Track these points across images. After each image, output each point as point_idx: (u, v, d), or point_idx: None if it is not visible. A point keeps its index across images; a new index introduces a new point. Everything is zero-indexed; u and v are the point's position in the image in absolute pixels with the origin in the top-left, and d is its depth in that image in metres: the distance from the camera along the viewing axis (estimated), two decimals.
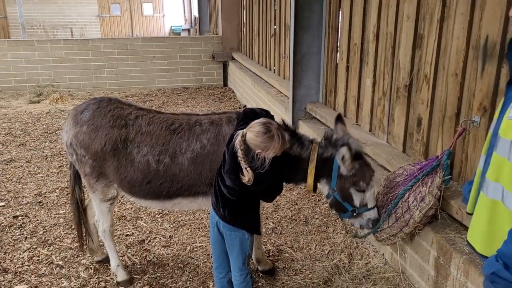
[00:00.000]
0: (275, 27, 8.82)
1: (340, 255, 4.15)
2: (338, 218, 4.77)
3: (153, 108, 3.76)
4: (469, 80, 3.39)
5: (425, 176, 3.31)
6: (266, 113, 3.24)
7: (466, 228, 3.20)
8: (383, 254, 4.04)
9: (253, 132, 2.77)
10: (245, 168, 2.79)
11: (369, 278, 3.77)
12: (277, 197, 3.29)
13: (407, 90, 4.23)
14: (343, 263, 4.02)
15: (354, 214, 3.25)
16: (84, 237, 4.00)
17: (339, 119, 3.33)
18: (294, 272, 3.95)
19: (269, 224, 4.76)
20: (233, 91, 11.97)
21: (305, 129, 6.10)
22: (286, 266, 4.04)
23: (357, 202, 3.21)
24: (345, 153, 3.01)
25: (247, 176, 2.79)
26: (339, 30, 5.80)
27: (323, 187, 3.33)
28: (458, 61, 3.50)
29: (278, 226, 4.73)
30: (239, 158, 2.80)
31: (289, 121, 6.52)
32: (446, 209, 3.33)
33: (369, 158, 4.62)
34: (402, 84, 4.32)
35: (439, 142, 3.80)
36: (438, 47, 3.76)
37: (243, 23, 12.04)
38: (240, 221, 3.04)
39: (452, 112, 3.60)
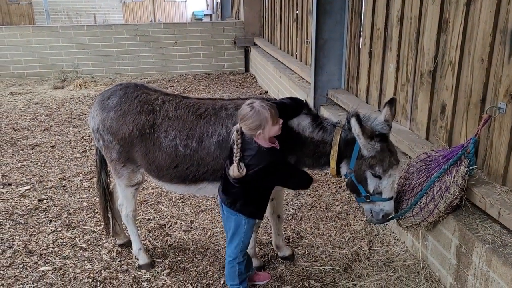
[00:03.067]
0: (297, 12, 8.73)
1: (361, 242, 4.13)
2: (358, 204, 4.75)
3: (176, 93, 3.78)
4: (496, 65, 3.30)
5: (451, 165, 3.25)
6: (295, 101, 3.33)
7: (489, 216, 3.15)
8: (404, 241, 4.01)
9: (243, 119, 2.87)
10: (237, 164, 2.89)
11: (389, 266, 3.75)
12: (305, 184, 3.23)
13: (431, 76, 4.15)
14: (363, 250, 4.01)
15: (368, 200, 3.15)
16: (110, 221, 4.06)
17: (390, 103, 3.12)
18: (314, 259, 3.95)
19: (289, 211, 4.76)
20: (254, 77, 11.93)
21: (327, 116, 6.05)
22: (306, 253, 4.04)
23: (371, 187, 3.10)
24: (354, 124, 2.90)
25: (234, 171, 2.90)
26: (362, 14, 5.70)
27: (343, 167, 3.23)
28: (484, 46, 3.41)
29: (298, 212, 4.73)
30: (234, 152, 2.92)
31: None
32: (469, 197, 3.27)
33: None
34: (426, 70, 4.23)
35: (463, 129, 3.73)
36: (464, 32, 3.67)
37: (265, 8, 11.95)
38: (239, 206, 3.12)
39: (477, 98, 3.52)
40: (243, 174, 2.90)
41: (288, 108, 3.18)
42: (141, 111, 3.44)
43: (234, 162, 2.92)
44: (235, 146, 2.93)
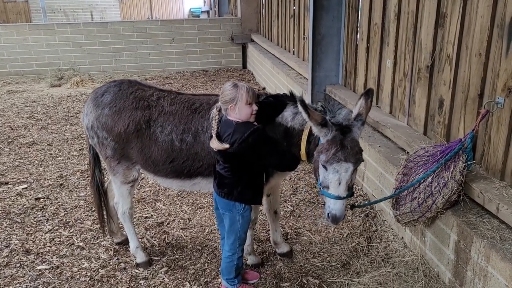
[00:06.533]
0: (294, 8, 8.70)
1: (359, 238, 4.12)
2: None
3: (173, 89, 3.77)
4: (493, 60, 3.28)
5: (448, 160, 3.24)
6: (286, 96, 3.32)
7: (487, 211, 3.14)
8: (403, 237, 4.00)
9: (221, 92, 3.03)
10: (215, 135, 3.03)
11: (388, 262, 3.74)
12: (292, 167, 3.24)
13: (429, 71, 4.13)
14: (361, 246, 3.99)
15: (320, 192, 3.01)
16: (105, 219, 4.05)
17: (366, 94, 2.97)
18: (312, 255, 3.94)
19: (287, 207, 4.75)
20: (252, 74, 11.90)
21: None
22: (304, 249, 4.03)
23: (320, 177, 2.93)
24: (300, 110, 2.81)
25: (214, 143, 3.03)
26: (359, 10, 5.68)
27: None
28: (482, 41, 3.39)
29: (296, 209, 4.72)
30: (212, 126, 3.08)
31: (308, 103, 6.45)
32: (467, 192, 3.26)
33: (389, 141, 4.57)
34: (424, 65, 4.21)
35: (461, 124, 3.71)
36: (461, 26, 3.65)
37: (262, 4, 11.91)
38: (236, 194, 3.14)
39: (475, 93, 3.51)
40: (225, 147, 2.98)
41: (272, 107, 3.19)
42: (137, 107, 3.44)
43: (213, 134, 3.06)
44: (213, 121, 3.07)
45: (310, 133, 3.07)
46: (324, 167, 2.87)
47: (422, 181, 3.35)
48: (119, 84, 3.58)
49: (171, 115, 3.41)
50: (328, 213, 2.92)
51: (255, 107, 3.00)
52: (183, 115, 3.40)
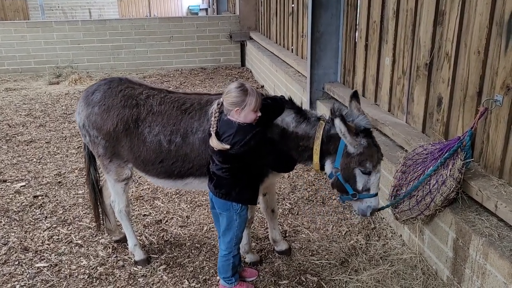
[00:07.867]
0: (293, 5, 8.69)
1: (357, 236, 4.12)
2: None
3: (170, 88, 3.76)
4: (492, 57, 3.28)
5: (447, 158, 3.24)
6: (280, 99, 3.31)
7: (486, 209, 3.14)
8: (401, 235, 4.00)
9: (227, 92, 2.93)
10: (214, 134, 2.97)
11: (386, 259, 3.74)
12: (289, 167, 3.27)
13: (428, 69, 4.13)
14: (360, 244, 4.00)
15: (355, 198, 3.09)
16: (101, 218, 4.04)
17: (354, 96, 3.16)
18: (310, 253, 3.94)
19: (286, 205, 4.75)
20: (250, 71, 11.89)
21: (323, 110, 6.03)
22: (303, 247, 4.03)
23: (360, 185, 3.05)
24: (339, 124, 2.85)
25: (213, 142, 2.96)
26: (358, 7, 5.67)
27: (327, 166, 3.16)
28: (480, 38, 3.39)
29: (295, 207, 4.72)
30: (211, 123, 3.00)
31: (306, 101, 6.46)
32: (465, 190, 3.26)
33: (387, 139, 4.57)
34: (423, 63, 4.21)
35: (460, 122, 3.71)
36: (460, 24, 3.65)
37: (261, 2, 11.89)
38: (234, 195, 3.13)
39: (473, 91, 3.51)
40: (225, 147, 2.93)
41: (270, 110, 3.17)
42: (125, 105, 3.41)
43: (212, 132, 2.99)
44: (212, 118, 3.01)
45: (322, 142, 3.10)
46: (368, 173, 3.00)
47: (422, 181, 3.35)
48: (109, 82, 3.57)
49: (160, 115, 3.37)
50: (370, 211, 3.13)
51: (259, 113, 2.96)
52: (172, 116, 3.35)
